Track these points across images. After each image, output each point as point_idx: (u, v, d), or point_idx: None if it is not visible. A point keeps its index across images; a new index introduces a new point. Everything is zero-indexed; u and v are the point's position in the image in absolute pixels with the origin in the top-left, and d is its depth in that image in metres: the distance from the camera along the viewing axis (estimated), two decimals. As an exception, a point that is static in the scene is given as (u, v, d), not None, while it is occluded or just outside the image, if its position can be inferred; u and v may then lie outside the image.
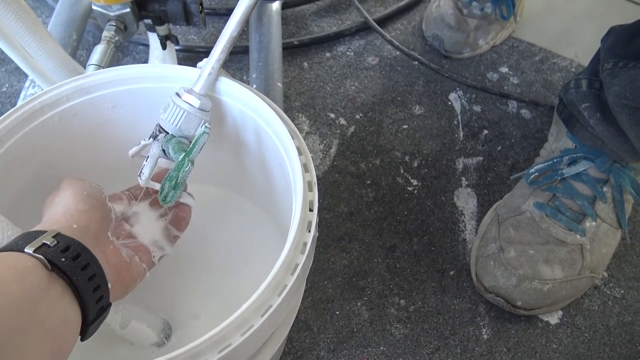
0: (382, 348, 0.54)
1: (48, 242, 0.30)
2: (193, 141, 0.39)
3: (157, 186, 0.40)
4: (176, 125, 0.40)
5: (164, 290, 0.49)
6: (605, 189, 0.54)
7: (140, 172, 0.41)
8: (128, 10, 0.56)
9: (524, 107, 0.73)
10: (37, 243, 0.30)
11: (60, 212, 0.35)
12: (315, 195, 0.38)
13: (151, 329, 0.44)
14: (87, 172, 0.46)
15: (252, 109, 0.42)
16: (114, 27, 0.56)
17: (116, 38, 0.57)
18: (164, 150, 0.41)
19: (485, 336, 0.55)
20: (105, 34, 0.56)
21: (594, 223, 0.54)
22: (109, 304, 0.33)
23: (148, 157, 0.41)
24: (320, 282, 0.58)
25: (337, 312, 0.56)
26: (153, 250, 0.40)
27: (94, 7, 0.56)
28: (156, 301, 0.48)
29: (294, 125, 0.41)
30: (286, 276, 0.34)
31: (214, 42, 0.42)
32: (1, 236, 0.35)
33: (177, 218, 0.43)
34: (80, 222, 0.34)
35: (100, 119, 0.45)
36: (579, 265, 0.53)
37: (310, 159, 0.39)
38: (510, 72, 0.76)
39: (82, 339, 0.32)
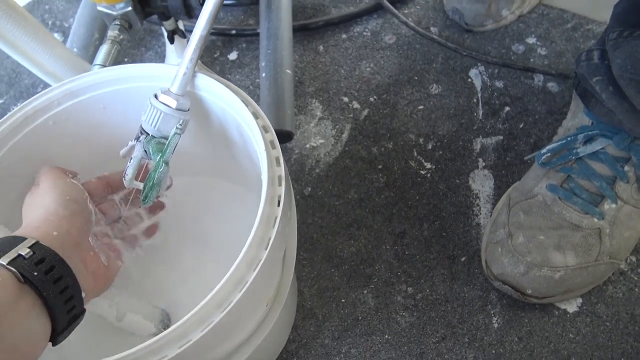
0: (386, 336, 0.54)
1: (23, 254, 0.31)
2: (167, 142, 0.40)
3: (141, 186, 0.42)
4: (155, 126, 0.41)
5: (162, 280, 0.51)
6: (626, 168, 0.50)
7: (125, 172, 0.42)
8: (130, 8, 0.58)
9: (551, 80, 0.68)
10: (12, 254, 0.31)
11: (41, 218, 0.35)
12: (282, 190, 0.37)
13: (148, 320, 0.46)
14: (85, 173, 0.48)
15: (228, 105, 0.42)
16: (118, 27, 0.58)
17: (121, 37, 0.58)
18: (146, 151, 0.42)
19: (496, 325, 0.53)
20: (109, 33, 0.58)
21: (614, 205, 0.50)
22: (83, 311, 0.35)
23: (132, 158, 0.42)
24: (326, 270, 0.58)
25: (342, 300, 0.56)
26: (127, 246, 0.42)
27: (98, 8, 0.58)
28: (154, 292, 0.50)
29: (267, 120, 0.41)
30: (259, 251, 0.35)
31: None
32: None
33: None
34: (60, 229, 0.35)
35: (93, 121, 0.47)
36: (596, 251, 0.50)
37: (281, 153, 0.39)
38: (538, 43, 0.71)
39: (53, 345, 0.33)
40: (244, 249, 0.34)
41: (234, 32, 0.76)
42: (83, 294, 0.34)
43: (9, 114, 0.42)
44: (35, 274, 0.30)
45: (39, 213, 0.36)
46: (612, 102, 0.46)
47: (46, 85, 0.78)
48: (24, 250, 0.31)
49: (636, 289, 0.54)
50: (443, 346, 0.53)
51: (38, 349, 0.31)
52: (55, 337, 0.32)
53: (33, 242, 0.32)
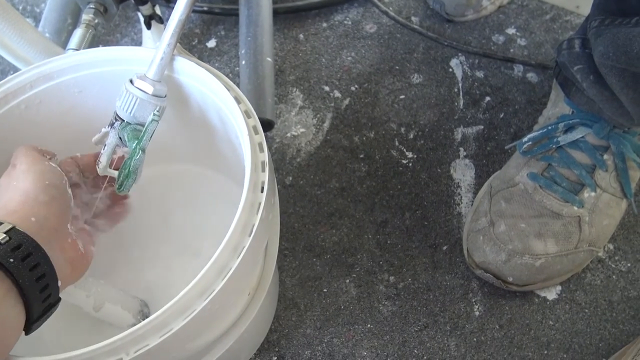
0: (369, 325, 0.53)
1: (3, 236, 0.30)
2: (143, 129, 0.39)
3: (115, 174, 0.40)
4: (130, 112, 0.40)
5: (140, 270, 0.50)
6: (605, 156, 0.51)
7: (98, 160, 0.41)
8: (106, -9, 0.56)
9: (531, 70, 0.68)
10: None
11: (19, 201, 0.34)
12: (266, 176, 0.37)
13: (127, 310, 0.45)
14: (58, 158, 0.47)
15: (209, 89, 0.41)
16: (93, 10, 0.57)
17: (96, 21, 0.57)
18: (120, 138, 0.40)
19: (477, 313, 0.53)
20: (84, 17, 0.56)
21: (593, 193, 0.51)
22: (58, 300, 0.33)
23: (105, 145, 0.41)
24: (308, 259, 0.57)
25: (324, 290, 0.55)
26: (95, 231, 0.41)
27: (72, -9, 0.56)
28: (133, 282, 0.49)
29: (250, 105, 0.40)
30: (243, 238, 0.34)
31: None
32: None
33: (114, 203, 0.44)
34: (39, 215, 0.34)
35: (68, 105, 0.45)
36: (575, 239, 0.50)
37: (264, 138, 0.38)
38: (517, 34, 0.72)
39: (26, 334, 0.32)
40: (227, 235, 0.33)
41: (217, 10, 0.75)
42: (59, 283, 0.33)
43: (-22, 97, 0.41)
44: (11, 260, 0.29)
45: (17, 197, 0.34)
46: (593, 90, 0.47)
47: (16, 72, 0.76)
48: (0, 235, 0.30)
49: (614, 277, 0.55)
50: (425, 334, 0.53)
51: (12, 337, 0.30)
52: (29, 326, 0.31)
53: (9, 227, 0.31)
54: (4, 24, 0.51)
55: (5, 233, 0.30)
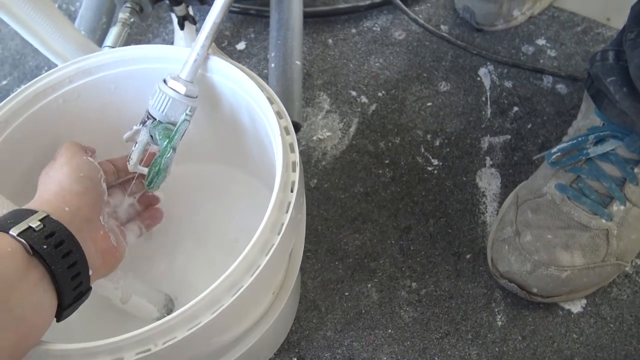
0: (389, 331, 0.53)
1: (34, 226, 0.31)
2: (175, 129, 0.40)
3: (145, 171, 0.41)
4: (162, 111, 0.41)
5: (167, 265, 0.50)
6: (636, 170, 0.50)
7: (129, 157, 0.42)
8: (142, -9, 0.57)
9: (561, 81, 0.68)
10: (22, 226, 0.30)
11: (54, 191, 0.35)
12: (296, 176, 0.37)
13: (152, 304, 0.45)
14: (99, 152, 0.48)
15: (242, 88, 0.42)
16: (129, 9, 0.58)
17: (131, 20, 0.58)
18: (152, 136, 0.41)
19: (500, 323, 0.53)
20: (120, 15, 0.58)
21: (622, 207, 0.50)
22: (89, 289, 0.34)
23: (137, 142, 0.42)
24: (331, 262, 0.57)
25: (346, 293, 0.55)
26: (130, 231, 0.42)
27: (110, -10, 0.58)
28: (159, 277, 0.49)
29: (282, 106, 0.41)
30: (272, 236, 0.35)
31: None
32: None
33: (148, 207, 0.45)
34: (72, 205, 0.34)
35: (104, 100, 0.46)
36: (602, 252, 0.50)
37: (295, 139, 0.39)
38: (547, 45, 0.71)
39: (57, 321, 0.33)
40: (257, 233, 0.34)
41: (252, 11, 0.76)
42: (90, 272, 0.34)
43: (19, 89, 0.42)
44: (45, 247, 0.30)
45: (52, 187, 0.36)
46: (626, 102, 0.46)
47: (50, 68, 0.77)
48: (34, 222, 0.31)
49: (640, 292, 0.54)
50: (446, 342, 0.52)
51: (45, 322, 0.30)
52: (61, 313, 0.32)
53: (44, 215, 0.32)
54: (43, 20, 0.53)
55: (39, 221, 0.31)
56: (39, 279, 0.30)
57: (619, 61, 0.46)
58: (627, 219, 0.50)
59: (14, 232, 0.30)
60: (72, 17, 0.82)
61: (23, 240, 0.30)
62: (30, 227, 0.30)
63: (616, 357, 0.51)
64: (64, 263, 0.31)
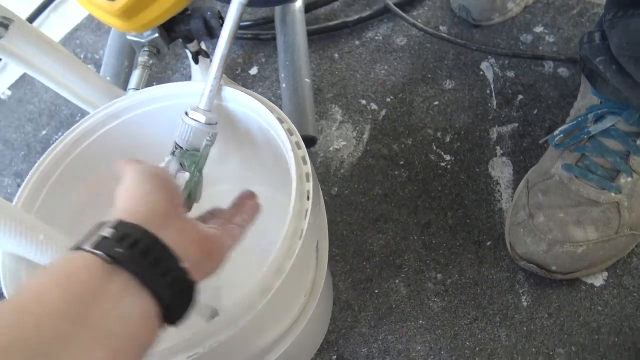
0: (421, 322, 0.56)
1: (107, 235, 0.28)
2: (199, 154, 0.44)
3: None
4: (187, 140, 0.45)
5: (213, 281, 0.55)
6: (638, 142, 0.52)
7: (164, 184, 0.46)
8: (157, 35, 0.62)
9: (562, 65, 0.70)
10: (95, 238, 0.28)
11: (124, 198, 0.33)
12: (310, 186, 0.41)
13: (200, 316, 0.50)
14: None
15: (255, 112, 0.46)
16: (147, 53, 0.63)
17: (150, 62, 0.63)
18: (181, 164, 0.46)
19: (525, 303, 0.55)
20: (140, 59, 0.63)
21: (630, 179, 0.52)
22: (193, 283, 0.31)
23: (169, 171, 0.46)
24: (359, 263, 0.61)
25: (376, 291, 0.59)
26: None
27: (128, 37, 0.63)
28: (204, 291, 0.54)
29: (292, 124, 0.45)
30: (294, 241, 0.38)
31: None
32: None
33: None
34: (148, 204, 0.32)
35: (134, 139, 0.51)
36: (615, 224, 0.52)
37: (307, 152, 0.43)
38: (545, 31, 0.74)
39: (171, 325, 0.30)
40: (280, 239, 0.37)
41: (262, 37, 0.81)
42: (186, 264, 0.30)
43: (59, 139, 0.47)
44: (120, 250, 0.28)
45: (123, 195, 0.33)
46: (617, 80, 0.49)
47: (84, 115, 0.84)
48: (107, 232, 0.28)
49: (661, 259, 0.55)
50: (476, 327, 0.55)
51: (147, 330, 0.27)
52: (170, 317, 0.29)
53: (116, 222, 0.29)
54: (70, 73, 0.58)
55: (112, 228, 0.29)
56: (124, 287, 0.27)
57: (604, 41, 0.48)
58: (636, 189, 0.52)
59: (87, 246, 0.28)
60: (97, 64, 0.88)
61: (98, 252, 0.27)
62: (103, 237, 0.28)
63: (642, 324, 0.52)
64: (145, 261, 0.28)
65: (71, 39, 0.92)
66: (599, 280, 0.55)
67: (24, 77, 0.90)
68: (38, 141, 0.81)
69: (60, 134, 0.81)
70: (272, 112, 0.44)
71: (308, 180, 0.41)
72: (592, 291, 0.55)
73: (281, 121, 0.44)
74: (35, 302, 0.25)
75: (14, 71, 0.91)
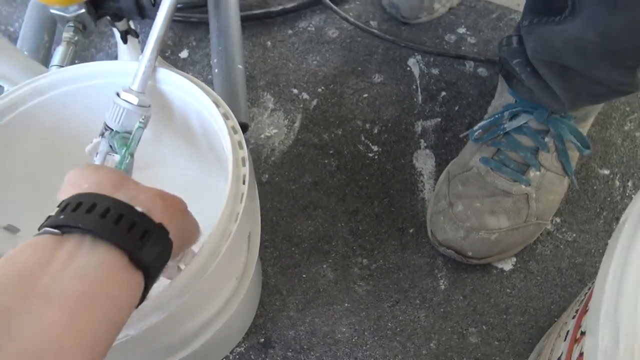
0: (346, 304, 0.58)
1: (52, 214, 0.28)
2: (131, 137, 0.43)
3: None
4: (118, 122, 0.44)
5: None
6: (546, 139, 0.57)
7: (92, 166, 0.45)
8: (84, 10, 0.60)
9: (481, 65, 0.75)
10: (42, 224, 0.27)
11: (64, 190, 0.31)
12: (247, 170, 0.41)
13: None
14: (52, 172, 0.50)
15: (190, 95, 0.46)
16: (72, 28, 0.60)
17: (76, 38, 0.60)
18: (111, 146, 0.45)
19: (443, 286, 0.59)
20: (64, 34, 0.60)
21: (538, 173, 0.57)
22: (157, 225, 0.29)
23: (97, 153, 0.45)
24: (287, 249, 0.62)
25: (304, 275, 0.60)
26: None
27: (52, 11, 0.60)
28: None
29: (228, 108, 0.45)
30: (230, 224, 0.39)
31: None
32: None
33: None
34: (90, 181, 0.30)
35: (58, 118, 0.49)
36: (524, 214, 0.57)
37: (243, 137, 0.43)
38: (467, 32, 0.78)
39: (150, 274, 0.28)
40: (216, 222, 0.38)
41: (194, 19, 0.80)
42: (139, 208, 0.29)
43: (-25, 114, 0.44)
44: (62, 217, 0.27)
45: (64, 189, 0.31)
46: (531, 81, 0.53)
47: (-5, 90, 0.78)
48: (53, 212, 0.28)
49: (561, 246, 0.61)
50: (397, 309, 0.58)
51: (106, 283, 0.26)
52: (140, 263, 0.27)
53: (60, 202, 0.28)
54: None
55: (57, 207, 0.28)
56: (75, 247, 0.26)
57: (521, 45, 0.53)
58: (543, 182, 0.57)
59: (37, 231, 0.27)
60: (12, 37, 0.83)
61: (42, 229, 0.27)
62: (48, 217, 0.27)
63: (544, 304, 0.58)
64: (92, 216, 0.27)
65: (-18, 8, 0.86)
66: (508, 265, 0.60)
67: None
68: (-58, 116, 0.75)
69: (-32, 109, 0.76)
70: (208, 95, 0.44)
71: (244, 165, 0.41)
72: (502, 275, 0.59)
73: (217, 105, 0.44)
74: None
75: None
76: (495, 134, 0.58)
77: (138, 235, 0.27)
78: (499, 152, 0.58)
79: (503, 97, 0.60)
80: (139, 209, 0.28)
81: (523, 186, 0.57)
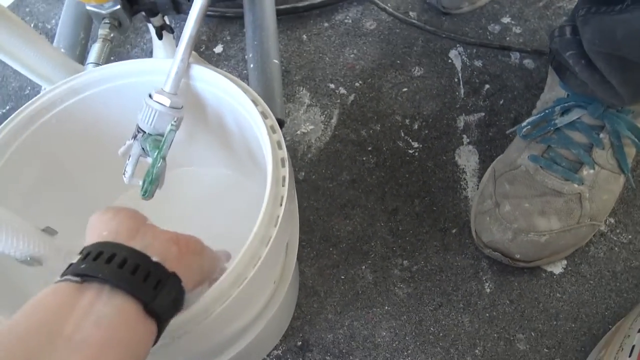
0: (386, 307, 0.56)
1: (73, 261, 0.29)
2: (163, 139, 0.42)
3: (140, 182, 0.44)
4: (151, 124, 0.43)
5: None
6: (601, 135, 0.54)
7: (124, 170, 0.44)
8: (119, 7, 0.59)
9: (527, 56, 0.71)
10: (65, 271, 0.29)
11: (89, 234, 0.33)
12: (287, 171, 0.40)
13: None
14: (89, 168, 0.50)
15: (226, 93, 0.44)
16: (108, 25, 0.59)
17: (111, 35, 0.60)
18: (143, 149, 0.44)
19: (488, 290, 0.56)
20: (100, 32, 0.59)
21: (592, 171, 0.54)
22: (171, 275, 0.31)
23: (130, 156, 0.44)
24: (325, 249, 0.60)
25: (342, 277, 0.58)
26: None
27: (87, 7, 0.59)
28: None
29: (266, 106, 0.43)
30: (269, 228, 0.37)
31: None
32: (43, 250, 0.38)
33: None
34: (110, 227, 0.32)
35: (94, 117, 0.48)
36: (577, 214, 0.53)
37: (282, 136, 0.41)
38: (512, 22, 0.75)
39: (161, 320, 0.30)
40: (256, 227, 0.36)
41: (229, 14, 0.78)
42: (154, 258, 0.30)
43: (16, 112, 0.44)
44: (84, 266, 0.29)
45: (88, 233, 0.33)
46: (585, 74, 0.49)
47: (33, 88, 0.79)
48: (74, 259, 0.30)
49: (616, 249, 0.57)
50: (440, 313, 0.56)
51: (124, 331, 0.27)
52: (154, 311, 0.29)
53: (82, 249, 0.30)
54: (24, 44, 0.54)
55: (79, 254, 0.30)
56: (95, 296, 0.27)
57: (575, 35, 0.49)
58: (597, 181, 0.54)
59: (57, 279, 0.29)
60: (49, 34, 0.83)
61: (64, 277, 0.29)
62: (70, 264, 0.29)
63: (598, 311, 0.55)
64: (111, 266, 0.28)
65: (20, 6, 0.87)
66: (558, 268, 0.57)
67: (-33, 45, 0.84)
68: (-17, 114, 0.76)
69: (7, 107, 0.76)
70: (246, 93, 0.43)
71: (283, 166, 0.40)
72: (552, 278, 0.56)
73: (255, 103, 0.43)
74: (6, 333, 0.25)
75: (-44, 38, 0.85)
76: (545, 130, 0.55)
77: (152, 285, 0.29)
78: (549, 149, 0.55)
79: (554, 90, 0.57)
80: (154, 258, 0.30)
81: (576, 185, 0.53)
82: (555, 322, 0.54)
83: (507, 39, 0.73)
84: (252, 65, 0.68)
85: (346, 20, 0.78)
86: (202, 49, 0.78)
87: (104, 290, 0.28)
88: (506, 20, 0.75)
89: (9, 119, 0.44)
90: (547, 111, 0.55)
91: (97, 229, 0.32)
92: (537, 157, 0.55)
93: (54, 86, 0.45)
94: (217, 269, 0.38)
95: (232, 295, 0.35)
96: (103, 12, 0.59)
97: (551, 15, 0.74)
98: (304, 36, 0.77)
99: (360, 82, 0.72)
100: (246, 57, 0.71)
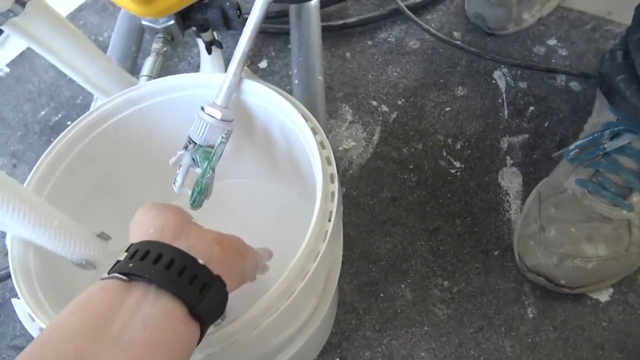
0: (425, 328, 0.56)
1: (121, 259, 0.30)
2: (213, 151, 0.43)
3: (189, 192, 0.45)
4: (201, 136, 0.44)
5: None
6: (653, 161, 0.52)
7: (175, 180, 0.45)
8: (173, 22, 0.61)
9: (573, 79, 0.70)
10: (112, 266, 0.30)
11: (134, 229, 0.34)
12: (336, 187, 0.40)
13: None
14: (141, 176, 0.51)
15: (276, 107, 0.45)
16: (161, 39, 0.62)
17: (164, 49, 0.62)
18: (193, 160, 0.45)
19: (531, 315, 0.55)
20: (154, 45, 0.62)
21: (642, 197, 0.52)
22: (216, 278, 0.31)
23: (180, 166, 0.45)
24: (365, 266, 0.60)
25: (381, 295, 0.58)
26: None
27: (143, 22, 0.62)
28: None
29: (316, 121, 0.44)
30: (318, 243, 0.38)
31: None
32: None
33: None
34: (156, 225, 0.33)
35: (149, 127, 0.50)
36: (625, 241, 0.52)
37: (331, 152, 0.42)
38: (558, 44, 0.74)
39: (206, 323, 0.30)
40: (305, 241, 0.37)
41: (271, 30, 0.81)
42: (209, 263, 0.31)
43: (75, 121, 0.46)
44: (132, 265, 0.29)
45: (133, 229, 0.34)
46: (636, 98, 0.49)
47: (85, 97, 0.82)
48: (121, 257, 0.30)
49: (665, 278, 0.56)
50: (481, 336, 0.55)
51: (170, 332, 0.27)
52: (199, 313, 0.29)
53: (128, 247, 0.31)
54: (82, 56, 0.57)
55: (125, 252, 0.31)
56: (142, 296, 0.28)
57: (627, 60, 0.49)
58: (647, 208, 0.53)
59: (104, 275, 0.29)
60: (101, 46, 0.86)
61: (112, 274, 0.29)
62: (117, 261, 0.30)
63: (646, 342, 0.53)
64: (158, 267, 0.29)
65: (74, 18, 0.90)
66: (604, 296, 0.55)
67: (23, 55, 0.87)
68: (36, 121, 0.79)
69: (60, 115, 0.79)
70: (296, 108, 0.44)
71: (332, 181, 0.40)
72: (598, 306, 0.55)
73: (305, 118, 0.43)
74: (55, 330, 0.26)
75: (13, 48, 0.89)
76: (593, 154, 0.54)
77: (198, 288, 0.30)
78: (597, 174, 0.54)
79: (603, 114, 0.56)
80: (200, 261, 0.31)
81: (625, 211, 0.52)
82: (600, 352, 0.53)
83: (553, 61, 0.72)
84: (296, 81, 0.70)
85: (389, 39, 0.79)
86: (247, 64, 0.79)
87: (150, 290, 0.28)
88: (552, 42, 0.74)
89: (68, 127, 0.45)
90: (595, 135, 0.54)
91: (144, 226, 0.33)
92: (585, 181, 0.54)
93: (110, 98, 0.47)
94: (259, 267, 0.39)
95: (279, 309, 0.36)
96: (157, 26, 0.61)
97: (599, 38, 0.74)
98: (348, 53, 0.78)
99: (402, 100, 0.72)
100: (291, 73, 0.72)
